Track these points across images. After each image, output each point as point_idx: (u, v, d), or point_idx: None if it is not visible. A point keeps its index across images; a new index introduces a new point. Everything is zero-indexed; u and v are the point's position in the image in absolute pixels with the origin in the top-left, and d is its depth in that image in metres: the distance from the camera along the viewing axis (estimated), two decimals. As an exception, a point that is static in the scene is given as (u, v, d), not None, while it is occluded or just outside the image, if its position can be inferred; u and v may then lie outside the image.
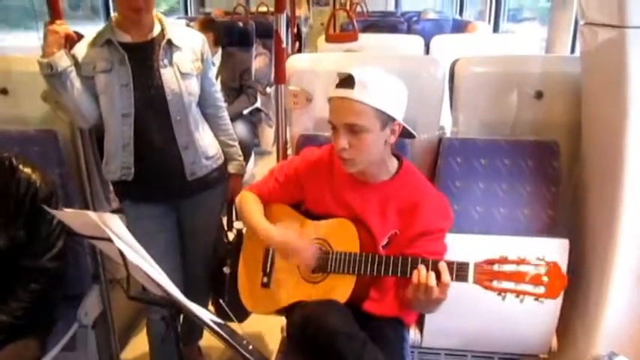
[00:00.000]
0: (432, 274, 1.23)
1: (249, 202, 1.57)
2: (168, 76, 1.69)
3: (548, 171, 1.77)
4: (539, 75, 1.90)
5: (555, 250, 1.64)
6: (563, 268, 1.21)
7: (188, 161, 1.76)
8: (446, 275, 1.23)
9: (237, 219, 1.92)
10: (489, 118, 1.93)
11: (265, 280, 1.53)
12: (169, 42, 1.70)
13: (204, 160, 1.81)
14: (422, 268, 1.25)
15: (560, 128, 1.86)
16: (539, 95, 1.89)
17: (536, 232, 1.75)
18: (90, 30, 1.76)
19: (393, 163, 1.45)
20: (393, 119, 1.32)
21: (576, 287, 1.70)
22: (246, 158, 3.01)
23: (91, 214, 1.02)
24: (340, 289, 1.38)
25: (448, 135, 1.97)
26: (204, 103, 1.84)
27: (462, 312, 1.62)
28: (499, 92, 1.92)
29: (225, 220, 2.04)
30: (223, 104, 1.94)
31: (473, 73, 1.94)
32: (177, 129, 1.72)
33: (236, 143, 1.97)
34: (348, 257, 1.38)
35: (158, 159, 1.74)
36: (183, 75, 1.71)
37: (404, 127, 1.37)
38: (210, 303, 1.90)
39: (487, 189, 1.79)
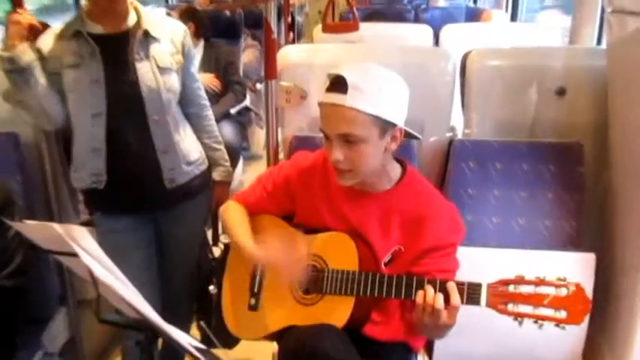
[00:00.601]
0: (440, 296, 1.23)
1: (233, 214, 1.57)
2: (144, 70, 1.69)
3: (571, 176, 1.77)
4: (562, 69, 1.91)
5: (580, 265, 1.65)
6: (589, 286, 1.22)
7: (167, 167, 1.76)
8: (455, 297, 1.22)
9: (223, 232, 1.91)
10: (506, 117, 1.94)
11: (253, 302, 1.52)
12: (146, 33, 1.70)
13: (185, 165, 1.80)
14: (429, 287, 1.24)
15: (584, 128, 1.87)
16: (561, 91, 1.90)
17: (558, 245, 1.75)
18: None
19: (396, 170, 1.44)
20: (394, 125, 1.31)
21: (604, 308, 1.69)
22: (234, 163, 3.02)
23: (55, 226, 1.01)
24: (337, 311, 1.37)
25: (460, 136, 1.97)
26: (185, 101, 1.84)
27: (475, 336, 1.61)
28: (517, 88, 1.93)
29: (210, 234, 2.04)
30: (207, 103, 1.94)
31: (487, 67, 1.95)
32: (154, 130, 1.72)
33: (222, 147, 1.98)
34: (345, 276, 1.37)
35: (133, 164, 1.73)
36: (162, 70, 1.71)
37: (406, 130, 1.36)
38: (196, 326, 1.89)
39: (503, 197, 1.80)
